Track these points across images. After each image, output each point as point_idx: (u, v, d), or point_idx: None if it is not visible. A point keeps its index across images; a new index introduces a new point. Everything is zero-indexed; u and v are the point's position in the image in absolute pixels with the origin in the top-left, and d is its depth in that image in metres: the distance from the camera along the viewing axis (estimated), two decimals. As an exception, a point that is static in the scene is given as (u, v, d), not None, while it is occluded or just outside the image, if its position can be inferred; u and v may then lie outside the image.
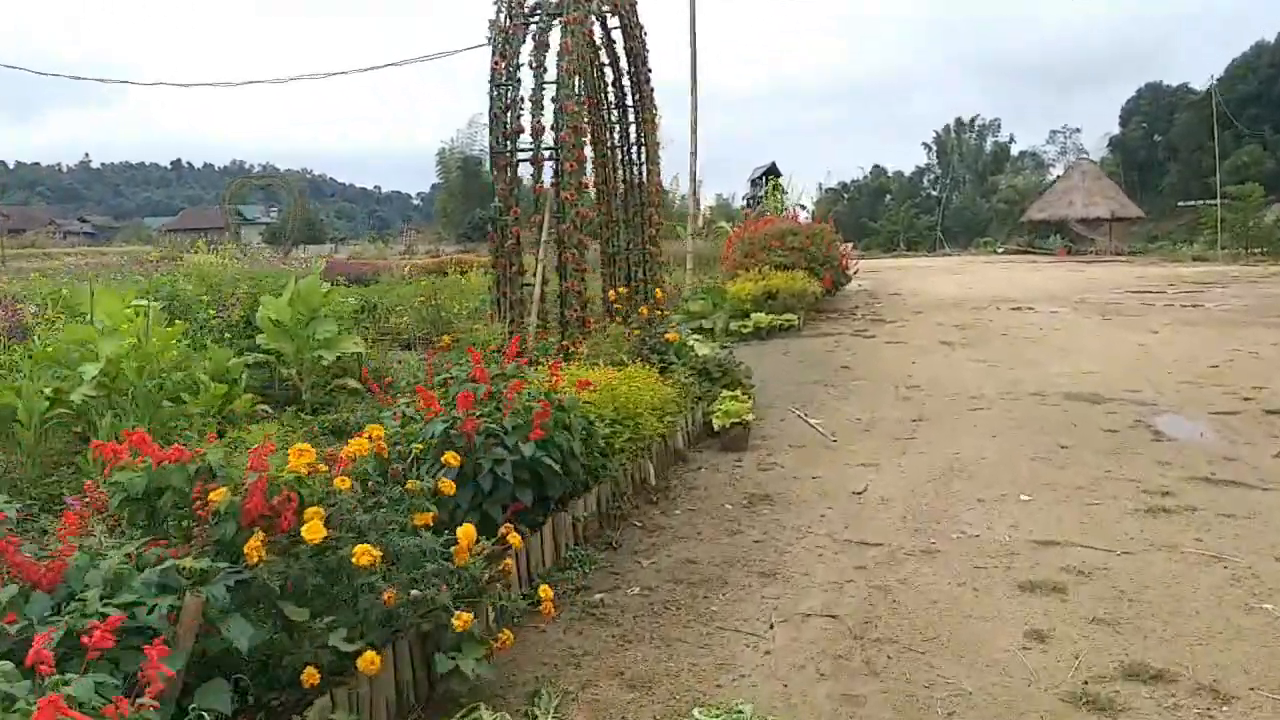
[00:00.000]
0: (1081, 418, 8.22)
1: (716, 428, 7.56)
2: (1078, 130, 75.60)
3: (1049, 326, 14.37)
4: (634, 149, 12.95)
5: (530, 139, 9.49)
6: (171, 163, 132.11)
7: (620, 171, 13.11)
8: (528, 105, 9.43)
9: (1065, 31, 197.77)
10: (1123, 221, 45.18)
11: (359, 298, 12.51)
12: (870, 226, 59.48)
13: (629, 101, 12.80)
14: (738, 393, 8.13)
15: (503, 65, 9.49)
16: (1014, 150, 74.75)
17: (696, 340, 9.35)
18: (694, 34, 21.36)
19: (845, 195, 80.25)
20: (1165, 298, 18.73)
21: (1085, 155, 58.04)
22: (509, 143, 9.58)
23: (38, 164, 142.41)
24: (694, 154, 21.76)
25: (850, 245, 58.47)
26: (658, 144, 13.21)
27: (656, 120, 13.07)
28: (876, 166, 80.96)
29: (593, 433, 5.58)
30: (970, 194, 73.69)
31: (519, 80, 9.58)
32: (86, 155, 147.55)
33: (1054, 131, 74.99)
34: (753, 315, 14.01)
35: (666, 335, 8.89)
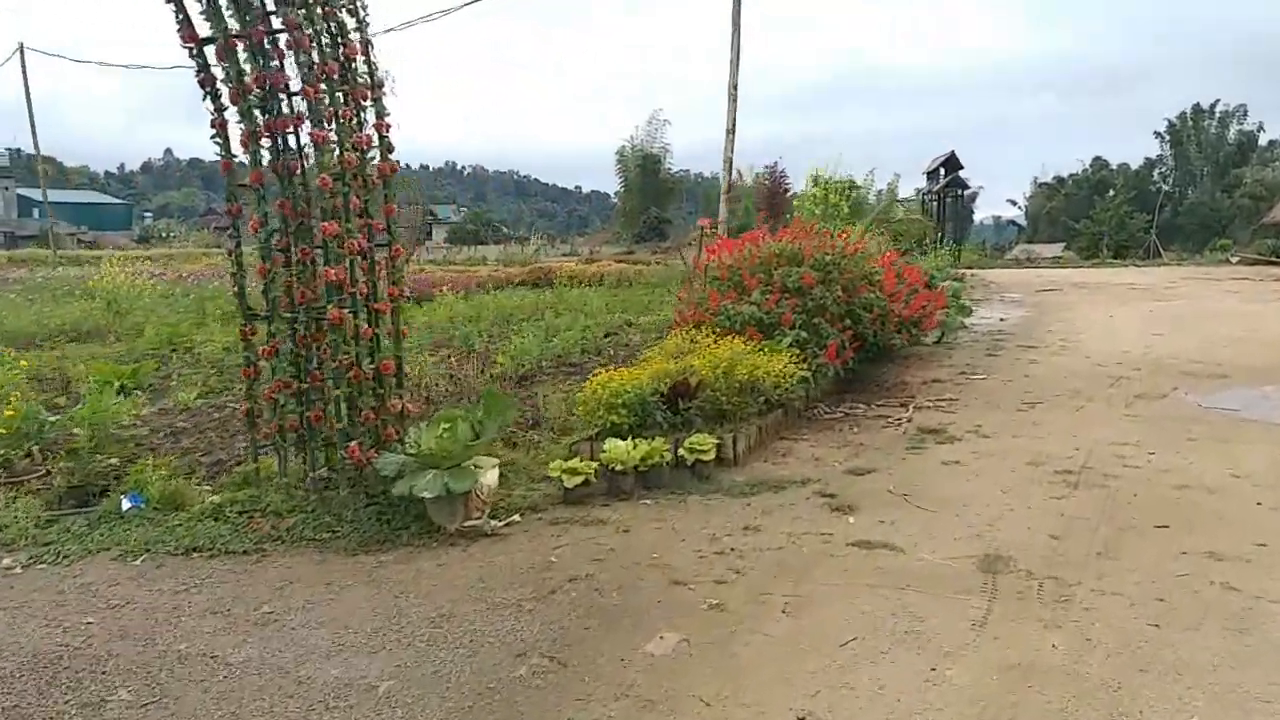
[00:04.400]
0: None
1: None
2: (1344, 115, 59.10)
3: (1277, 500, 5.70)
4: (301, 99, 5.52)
5: None
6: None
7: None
8: None
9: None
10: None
11: None
12: (1074, 228, 47.62)
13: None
14: None
15: None
16: (1262, 140, 59.68)
17: None
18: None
19: (1061, 190, 67.60)
20: None
21: (1356, 142, 43.90)
22: None
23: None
24: (730, 131, 13.90)
25: (1061, 247, 47.35)
26: (371, 87, 5.71)
27: (353, 38, 5.56)
28: (1097, 159, 67.49)
29: None
30: (1209, 189, 59.57)
31: None
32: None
33: (1314, 118, 58.94)
34: (610, 444, 6.24)
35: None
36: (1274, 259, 29.78)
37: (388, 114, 5.77)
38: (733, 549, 5.06)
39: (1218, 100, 61.06)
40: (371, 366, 5.69)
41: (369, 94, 5.67)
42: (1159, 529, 5.22)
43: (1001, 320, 16.21)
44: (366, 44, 5.65)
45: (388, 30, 15.39)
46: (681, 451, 6.44)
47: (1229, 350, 11.67)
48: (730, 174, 14.25)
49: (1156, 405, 8.60)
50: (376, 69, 5.71)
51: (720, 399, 7.02)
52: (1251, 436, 7.26)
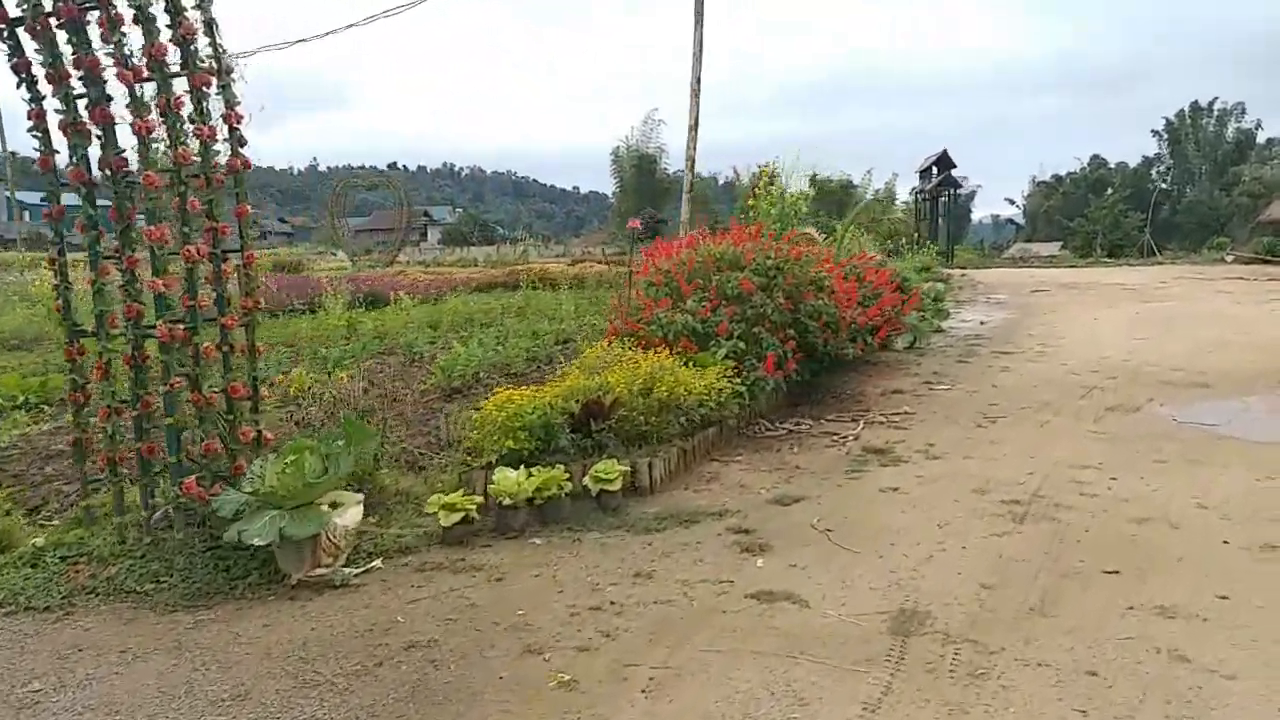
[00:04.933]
0: None
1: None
2: (1342, 112, 58.05)
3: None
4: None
5: None
6: (388, 165, 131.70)
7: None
8: None
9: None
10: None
11: None
12: (1069, 227, 46.64)
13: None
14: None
15: None
16: (1260, 138, 58.75)
17: None
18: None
19: (1059, 189, 66.83)
20: None
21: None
22: None
23: (271, 168, 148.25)
24: (693, 128, 13.18)
25: (1058, 246, 46.35)
26: (217, 73, 5.00)
27: (191, 16, 4.86)
28: (1095, 157, 66.67)
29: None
30: (1207, 187, 58.66)
31: None
32: (314, 159, 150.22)
33: (1312, 115, 57.69)
34: (499, 474, 5.54)
35: None
36: (1270, 257, 28.96)
37: (238, 102, 5.07)
38: (613, 603, 4.34)
39: (1215, 98, 60.29)
40: (217, 389, 4.98)
41: (214, 80, 4.96)
42: (1108, 575, 4.50)
43: (982, 323, 15.48)
44: (210, 23, 4.94)
45: (349, 26, 14.67)
46: (586, 481, 5.72)
47: (1214, 356, 10.93)
48: (692, 172, 13.52)
49: (1128, 420, 7.87)
50: (224, 52, 5.00)
51: (638, 419, 6.31)
52: (1226, 458, 6.53)
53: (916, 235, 27.42)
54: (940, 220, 37.46)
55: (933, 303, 15.95)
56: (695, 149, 13.26)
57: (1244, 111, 59.25)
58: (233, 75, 5.04)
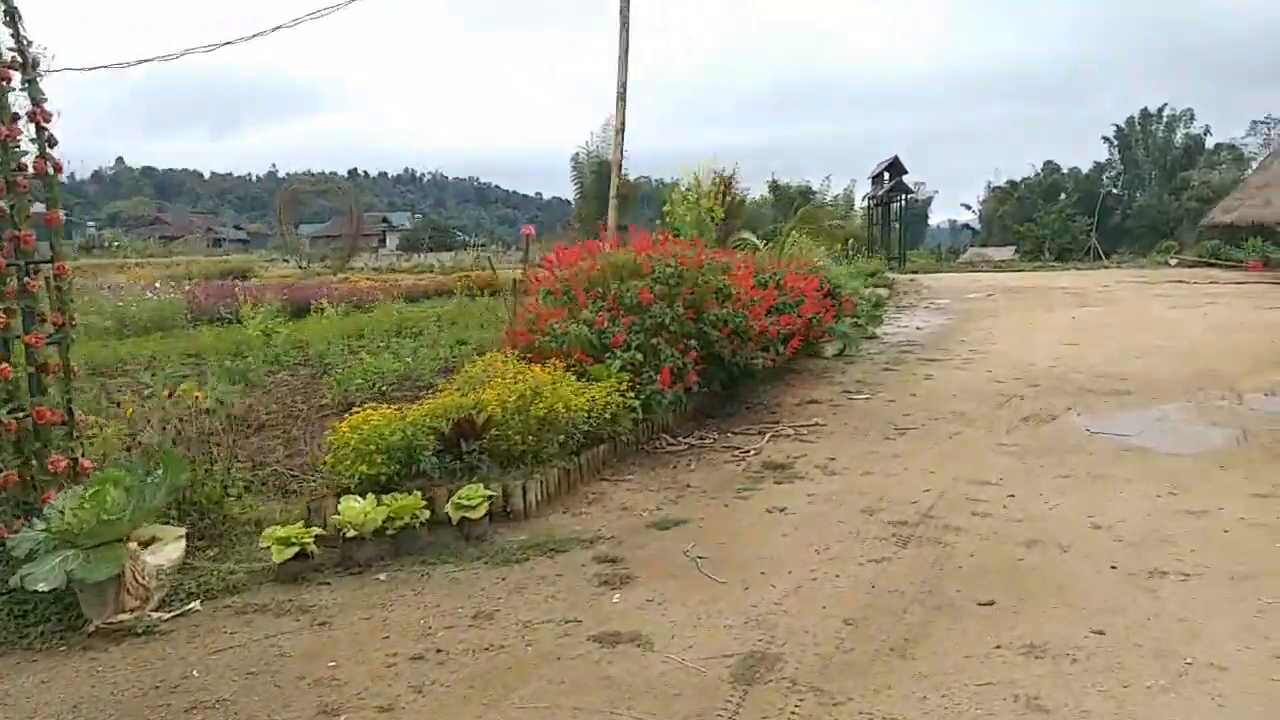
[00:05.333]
0: None
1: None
2: (1285, 120, 58.46)
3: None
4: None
5: None
6: (349, 171, 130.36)
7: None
8: None
9: (1271, 15, 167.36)
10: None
11: None
12: (1020, 231, 46.79)
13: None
14: None
15: None
16: (1209, 143, 59.40)
17: None
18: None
19: (1014, 194, 67.31)
20: None
21: (1295, 143, 43.49)
22: None
23: (230, 174, 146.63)
24: (619, 131, 12.81)
25: (1012, 250, 46.50)
26: (23, 66, 4.54)
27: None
28: (1049, 163, 67.22)
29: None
30: (1157, 192, 59.29)
31: None
32: (274, 165, 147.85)
33: (1256, 122, 58.03)
34: (344, 504, 5.10)
35: None
36: (1212, 260, 29.11)
37: (44, 99, 4.59)
38: (439, 651, 3.91)
39: (1165, 104, 60.97)
40: (22, 414, 4.49)
41: (16, 74, 4.48)
42: (982, 607, 4.14)
43: (918, 329, 15.22)
44: (11, 13, 4.47)
45: (276, 28, 14.13)
46: (448, 508, 5.29)
47: (1141, 362, 10.70)
48: (619, 176, 13.15)
49: (1042, 431, 7.57)
50: (30, 44, 4.52)
51: (514, 438, 5.88)
52: (1131, 471, 6.22)
53: (854, 242, 27.22)
54: (894, 225, 37.36)
55: (872, 309, 15.66)
56: (621, 153, 12.94)
57: (1193, 118, 60.05)
58: (38, 69, 4.56)
